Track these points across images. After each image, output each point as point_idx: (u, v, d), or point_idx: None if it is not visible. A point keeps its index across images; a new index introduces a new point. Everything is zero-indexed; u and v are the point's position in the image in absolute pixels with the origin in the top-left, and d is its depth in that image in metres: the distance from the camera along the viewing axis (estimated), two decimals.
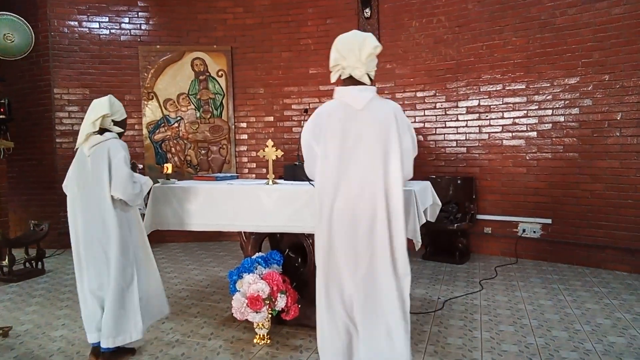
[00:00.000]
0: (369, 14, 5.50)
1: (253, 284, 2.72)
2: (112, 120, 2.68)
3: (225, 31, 6.10)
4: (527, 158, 4.90)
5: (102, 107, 2.63)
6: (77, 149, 2.68)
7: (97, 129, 2.62)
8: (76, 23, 5.84)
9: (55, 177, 5.81)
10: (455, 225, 4.79)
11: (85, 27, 5.87)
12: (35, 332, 3.13)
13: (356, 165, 2.08)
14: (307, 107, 5.65)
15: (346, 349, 2.09)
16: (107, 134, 2.64)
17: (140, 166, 3.08)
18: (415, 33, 5.39)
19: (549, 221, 4.77)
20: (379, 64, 2.20)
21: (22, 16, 4.98)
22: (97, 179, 2.56)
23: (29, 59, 5.56)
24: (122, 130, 2.77)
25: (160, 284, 2.90)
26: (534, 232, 4.86)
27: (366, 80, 2.09)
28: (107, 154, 2.55)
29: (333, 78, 2.15)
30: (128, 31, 5.99)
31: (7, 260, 4.41)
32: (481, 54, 5.06)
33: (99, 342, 2.59)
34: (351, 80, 2.11)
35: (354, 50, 2.05)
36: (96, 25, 5.90)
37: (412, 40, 5.41)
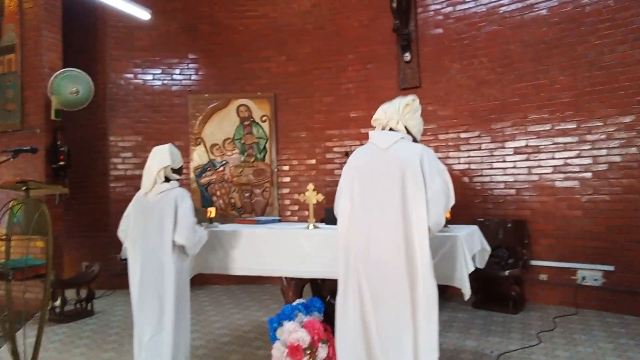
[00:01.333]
0: (409, 57, 5.54)
1: (293, 332, 2.64)
2: (172, 169, 2.85)
3: (269, 79, 6.32)
4: (583, 200, 4.63)
5: (164, 158, 2.81)
6: (142, 193, 2.85)
7: (163, 179, 2.79)
8: (132, 75, 6.25)
9: (108, 220, 6.06)
10: (507, 271, 4.52)
11: (140, 79, 6.27)
12: None
13: (377, 211, 2.05)
14: (348, 149, 5.67)
15: None
16: (172, 182, 2.82)
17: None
18: (456, 75, 5.36)
19: (612, 268, 4.42)
20: (420, 106, 2.30)
21: (83, 70, 5.39)
22: (161, 225, 2.68)
23: (87, 109, 5.93)
24: (179, 177, 2.94)
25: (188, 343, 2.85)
26: (595, 279, 4.50)
27: (401, 129, 2.18)
28: (174, 202, 2.70)
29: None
30: (179, 82, 6.34)
31: (59, 301, 4.56)
32: (526, 93, 4.94)
33: None
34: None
35: (394, 105, 2.22)
36: (150, 77, 6.29)
37: (454, 82, 5.37)
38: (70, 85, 5.25)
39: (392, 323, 1.99)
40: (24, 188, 3.06)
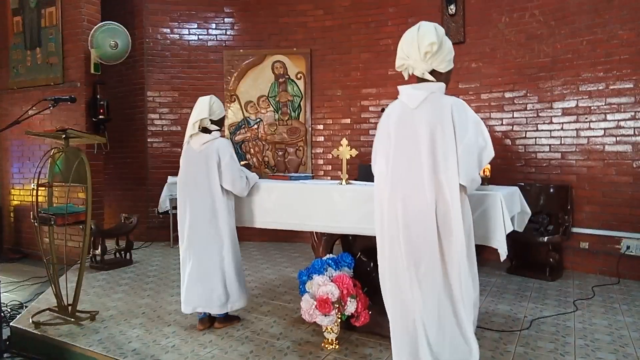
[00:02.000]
0: (453, 10, 5.22)
1: (322, 285, 2.63)
2: (210, 120, 3.00)
3: (305, 34, 6.15)
4: (635, 166, 4.33)
5: (202, 110, 2.98)
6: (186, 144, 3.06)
7: (197, 131, 2.98)
8: (168, 30, 6.22)
9: (146, 175, 6.21)
10: (547, 237, 4.35)
11: (176, 34, 6.23)
12: (119, 318, 3.31)
13: (409, 171, 1.98)
14: (385, 107, 5.49)
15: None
16: (214, 132, 3.01)
17: (246, 162, 3.45)
18: (504, 29, 5.02)
19: None
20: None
21: (121, 24, 5.40)
22: (207, 174, 2.93)
23: (126, 64, 6.00)
24: (220, 128, 3.09)
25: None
26: None
27: (429, 77, 2.01)
28: (217, 152, 2.92)
29: (405, 77, 2.12)
30: (215, 36, 6.26)
31: (99, 249, 4.76)
32: (581, 50, 4.58)
33: (204, 313, 3.03)
34: (415, 78, 2.06)
35: (414, 47, 1.99)
36: (186, 31, 6.24)
37: (501, 37, 5.04)
38: (110, 39, 5.29)
39: (428, 279, 1.96)
40: (63, 136, 3.13)
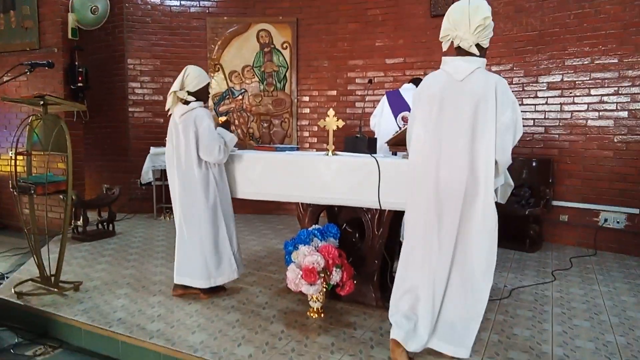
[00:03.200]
0: None
1: (308, 255, 2.65)
2: (188, 92, 2.93)
3: (291, 2, 5.99)
4: (615, 140, 4.41)
5: (176, 82, 2.93)
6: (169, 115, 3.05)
7: (170, 105, 2.96)
8: None
9: (127, 145, 6.09)
10: (528, 210, 4.44)
11: None
12: (103, 288, 3.29)
13: (446, 140, 2.04)
14: (372, 79, 5.43)
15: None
16: (192, 103, 2.93)
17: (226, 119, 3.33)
18: (493, 1, 4.94)
19: (637, 211, 4.30)
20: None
21: None
22: (187, 143, 2.90)
23: (105, 30, 5.79)
24: (200, 99, 2.99)
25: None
26: (618, 222, 4.40)
27: (474, 51, 2.04)
28: (194, 123, 2.88)
29: (444, 47, 2.13)
30: (197, 2, 6.06)
31: (81, 220, 4.69)
32: (568, 23, 4.57)
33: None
34: (460, 50, 2.08)
35: (464, 20, 2.00)
36: None
37: (491, 9, 4.98)
38: (89, 3, 5.07)
39: (450, 242, 2.09)
40: (41, 102, 3.03)
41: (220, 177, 3.02)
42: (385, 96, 4.33)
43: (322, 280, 2.64)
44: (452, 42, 2.09)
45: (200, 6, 6.06)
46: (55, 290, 3.11)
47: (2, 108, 5.62)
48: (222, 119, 3.09)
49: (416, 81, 4.37)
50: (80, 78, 5.19)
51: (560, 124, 4.71)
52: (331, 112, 2.98)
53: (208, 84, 3.05)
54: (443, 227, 2.08)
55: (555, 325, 2.75)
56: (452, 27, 2.05)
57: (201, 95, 3.01)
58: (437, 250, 2.10)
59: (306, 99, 6.18)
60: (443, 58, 2.13)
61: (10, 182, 3.18)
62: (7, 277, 3.69)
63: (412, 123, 2.24)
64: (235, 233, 3.13)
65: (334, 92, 6.03)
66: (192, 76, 2.93)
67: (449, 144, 2.04)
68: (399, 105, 4.18)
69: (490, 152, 1.97)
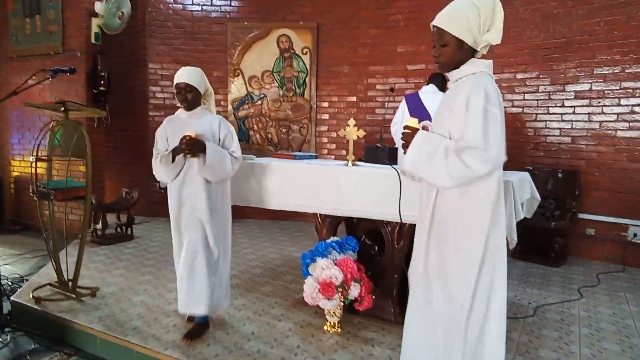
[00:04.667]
0: None
1: (326, 269, 2.58)
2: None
3: (312, 7, 5.95)
4: None
5: (199, 85, 2.78)
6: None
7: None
8: None
9: (147, 149, 6.12)
10: (553, 223, 4.29)
11: (180, 3, 6.03)
12: (119, 295, 3.28)
13: None
14: (393, 86, 5.34)
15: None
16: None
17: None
18: (520, 7, 4.84)
19: None
20: None
21: None
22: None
23: (127, 34, 5.83)
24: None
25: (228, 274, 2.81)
26: None
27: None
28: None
29: (484, 51, 1.87)
30: (219, 7, 6.07)
31: (100, 224, 4.72)
32: (597, 31, 4.42)
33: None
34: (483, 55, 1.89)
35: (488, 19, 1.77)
36: (189, 1, 6.04)
37: (515, 15, 4.86)
38: (115, 9, 5.12)
39: None
40: (62, 109, 3.04)
41: (224, 193, 2.78)
42: (404, 100, 4.23)
43: (339, 294, 2.57)
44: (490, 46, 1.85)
45: (221, 11, 6.07)
46: (73, 296, 3.12)
47: (25, 111, 5.72)
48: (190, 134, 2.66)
49: (435, 78, 4.23)
50: (102, 82, 5.24)
51: (588, 134, 4.55)
52: (351, 121, 2.92)
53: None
54: None
55: (583, 348, 2.62)
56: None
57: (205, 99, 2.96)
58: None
59: (325, 104, 6.13)
60: (489, 62, 1.86)
61: (30, 187, 3.20)
62: (26, 280, 3.73)
63: (502, 142, 1.92)
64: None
65: (354, 98, 5.96)
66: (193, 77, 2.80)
67: None
68: (418, 111, 4.04)
69: None
